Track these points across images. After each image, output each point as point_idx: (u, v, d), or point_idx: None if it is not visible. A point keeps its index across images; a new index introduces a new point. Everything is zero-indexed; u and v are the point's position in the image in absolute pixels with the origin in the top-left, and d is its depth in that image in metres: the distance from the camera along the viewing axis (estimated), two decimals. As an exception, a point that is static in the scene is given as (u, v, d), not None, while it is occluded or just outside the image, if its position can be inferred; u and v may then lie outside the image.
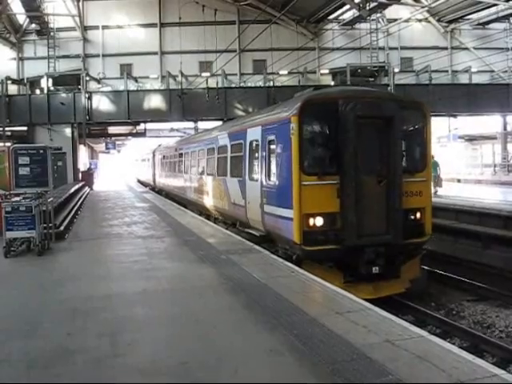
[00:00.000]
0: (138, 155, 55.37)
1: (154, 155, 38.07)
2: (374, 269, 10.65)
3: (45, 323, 6.62)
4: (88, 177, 37.76)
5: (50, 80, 37.63)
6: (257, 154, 13.07)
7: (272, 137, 11.92)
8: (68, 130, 36.74)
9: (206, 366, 5.11)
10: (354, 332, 5.88)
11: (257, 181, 12.85)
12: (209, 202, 18.75)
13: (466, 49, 43.05)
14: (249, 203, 13.52)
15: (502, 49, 40.41)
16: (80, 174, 37.29)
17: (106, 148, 47.33)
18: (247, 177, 13.78)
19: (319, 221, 10.57)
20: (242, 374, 4.92)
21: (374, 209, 10.77)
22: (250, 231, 13.50)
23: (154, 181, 38.21)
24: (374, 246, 10.66)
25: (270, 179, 12.06)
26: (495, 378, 4.60)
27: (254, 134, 13.40)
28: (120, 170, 71.73)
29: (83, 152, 39.71)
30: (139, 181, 52.23)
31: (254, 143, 13.32)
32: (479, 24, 42.48)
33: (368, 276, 10.71)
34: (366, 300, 7.49)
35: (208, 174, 18.95)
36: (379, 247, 10.69)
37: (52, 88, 37.87)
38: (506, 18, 40.80)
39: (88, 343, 5.79)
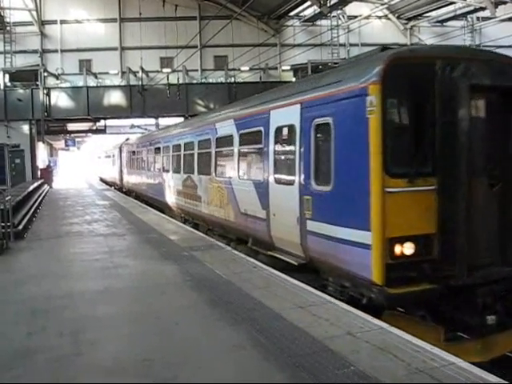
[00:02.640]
0: (100, 151, 51.56)
1: (120, 151, 33.88)
2: (489, 318, 7.15)
3: (4, 323, 6.52)
4: (47, 174, 37.10)
5: (7, 76, 36.79)
6: (291, 146, 9.36)
7: (324, 119, 8.18)
8: (26, 127, 36.06)
9: (169, 363, 5.10)
10: (316, 325, 5.95)
11: (291, 184, 9.17)
12: (200, 209, 14.99)
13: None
14: (274, 215, 9.84)
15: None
16: (39, 172, 36.61)
17: (66, 145, 46.65)
18: (272, 178, 10.07)
19: (409, 248, 7.06)
20: (206, 370, 4.94)
21: (485, 227, 7.47)
22: (277, 255, 9.81)
23: (121, 180, 33.93)
24: (489, 283, 7.21)
25: (319, 182, 8.35)
26: (452, 366, 4.74)
27: (284, 116, 9.67)
28: (81, 168, 70.51)
29: (42, 149, 38.97)
30: (102, 180, 48.72)
31: (286, 130, 9.65)
32: (438, 21, 43.37)
33: (480, 329, 7.18)
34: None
35: (201, 174, 14.97)
36: (496, 285, 7.26)
37: (9, 84, 37.03)
38: (463, 15, 41.76)
39: (49, 342, 5.72)
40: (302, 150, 8.86)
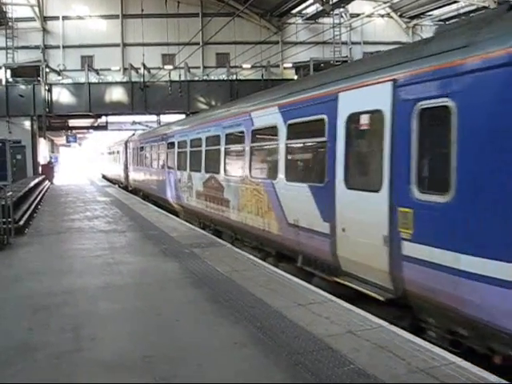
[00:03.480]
0: (103, 147, 50.25)
1: (126, 146, 32.19)
2: None
3: (5, 319, 6.52)
4: (48, 170, 37.12)
5: (9, 71, 36.76)
6: (375, 139, 7.19)
7: (436, 101, 6.02)
8: (27, 123, 36.05)
9: (169, 360, 5.11)
10: (316, 323, 5.96)
11: (375, 190, 6.98)
12: (227, 214, 12.71)
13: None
14: (344, 231, 7.68)
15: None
16: (40, 168, 36.61)
17: (67, 141, 46.59)
18: (341, 181, 7.80)
19: None
20: (206, 367, 4.94)
21: None
22: (348, 283, 7.68)
23: (127, 178, 32.10)
24: None
25: (426, 189, 6.20)
26: (452, 365, 4.74)
27: (363, 99, 7.44)
28: (82, 165, 70.40)
29: (43, 145, 38.97)
30: (105, 177, 47.52)
31: (366, 118, 7.39)
32: (440, 20, 43.18)
33: None
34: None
35: (230, 174, 12.79)
36: None
37: (10, 80, 37.00)
38: (466, 14, 41.59)
39: (50, 338, 5.72)
40: (396, 143, 6.62)
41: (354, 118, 7.58)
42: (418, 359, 4.88)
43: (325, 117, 8.29)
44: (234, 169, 12.71)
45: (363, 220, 7.24)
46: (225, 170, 13.13)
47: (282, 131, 9.79)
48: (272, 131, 10.30)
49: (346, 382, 4.44)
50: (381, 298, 6.82)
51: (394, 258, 6.57)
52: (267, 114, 10.59)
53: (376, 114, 7.05)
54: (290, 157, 9.83)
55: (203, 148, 14.87)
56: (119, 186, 34.82)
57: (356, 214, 7.41)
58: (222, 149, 13.27)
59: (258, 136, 11.40)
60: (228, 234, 13.26)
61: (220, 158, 13.32)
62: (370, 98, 7.24)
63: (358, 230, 7.32)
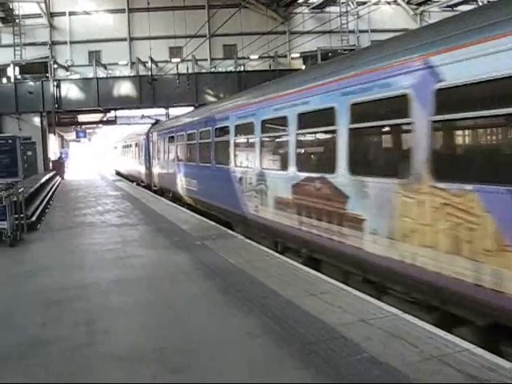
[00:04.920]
0: (117, 140, 47.07)
1: (148, 137, 27.92)
2: None
3: (19, 314, 6.57)
4: (59, 166, 37.25)
5: (17, 68, 36.83)
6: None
7: None
8: (37, 119, 36.16)
9: (183, 351, 5.13)
10: (328, 312, 5.96)
11: None
12: (358, 241, 7.53)
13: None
14: None
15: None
16: (50, 164, 36.77)
17: (77, 136, 46.77)
18: None
19: None
20: (219, 358, 4.95)
21: None
22: None
23: (150, 175, 27.36)
24: None
25: None
26: (465, 352, 4.72)
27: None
28: (93, 160, 70.50)
29: (53, 141, 39.11)
30: (119, 173, 43.68)
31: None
32: (448, 6, 42.76)
33: None
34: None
35: (369, 176, 7.43)
36: None
37: (19, 76, 37.06)
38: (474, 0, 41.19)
39: (63, 333, 5.76)
40: None
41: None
42: (431, 346, 4.87)
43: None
44: (387, 166, 7.83)
45: None
46: (355, 168, 7.77)
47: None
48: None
49: (369, 382, 4.43)
50: None
51: None
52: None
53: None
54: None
55: (291, 135, 9.62)
56: (137, 184, 31.33)
57: None
58: (345, 135, 7.86)
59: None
60: (341, 270, 8.38)
61: (340, 149, 7.99)
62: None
63: None
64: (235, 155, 13.06)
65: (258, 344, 5.23)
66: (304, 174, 9.23)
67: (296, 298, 6.58)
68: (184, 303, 6.78)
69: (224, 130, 13.99)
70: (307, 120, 9.29)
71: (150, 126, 29.58)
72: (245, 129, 12.36)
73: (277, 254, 9.51)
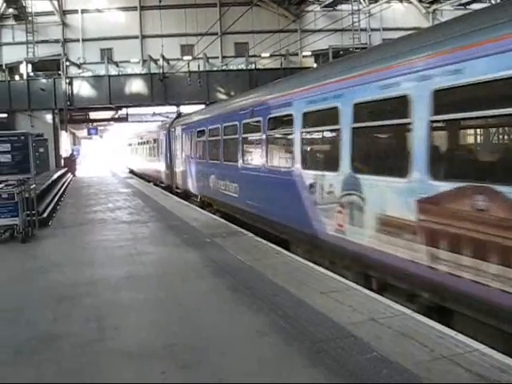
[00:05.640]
0: (131, 136, 44.05)
1: (169, 133, 24.45)
2: None
3: (30, 310, 6.61)
4: (70, 163, 37.46)
5: (30, 65, 37.08)
6: None
7: None
8: (49, 116, 36.38)
9: (193, 348, 5.13)
10: (338, 311, 5.95)
11: None
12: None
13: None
14: None
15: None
16: (62, 161, 36.97)
17: (88, 134, 46.98)
18: None
19: None
20: (228, 355, 4.96)
21: None
22: None
23: (172, 175, 23.89)
24: None
25: None
26: (476, 352, 4.70)
27: None
28: (104, 157, 70.60)
29: (65, 138, 39.29)
30: (134, 172, 40.45)
31: None
32: (461, 4, 42.43)
33: None
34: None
35: None
36: None
37: (32, 74, 37.32)
38: (486, -3, 40.87)
39: (74, 328, 5.79)
40: None
41: None
42: (442, 346, 4.85)
43: None
44: None
45: None
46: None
47: None
48: None
49: (379, 382, 4.42)
50: None
51: None
52: None
53: None
54: None
55: (420, 122, 6.35)
56: (155, 185, 28.32)
57: None
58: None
59: None
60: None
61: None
62: None
63: None
64: (303, 153, 9.76)
65: (267, 342, 5.23)
66: (446, 185, 5.94)
67: (306, 296, 6.58)
68: (194, 300, 6.79)
69: (282, 121, 10.95)
70: (457, 98, 6.12)
71: (169, 120, 26.89)
72: (320, 117, 9.32)
73: (286, 252, 9.50)
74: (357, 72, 7.94)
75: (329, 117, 8.67)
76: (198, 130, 18.29)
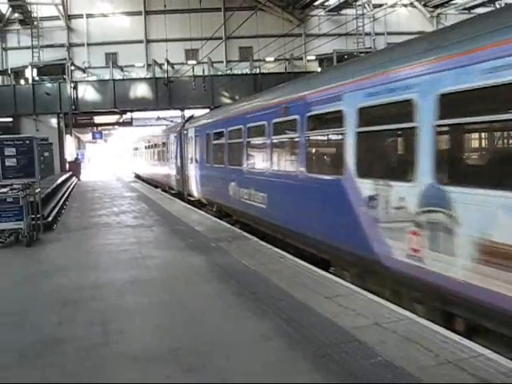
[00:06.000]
0: (137, 140, 42.18)
1: (181, 135, 22.43)
2: None
3: (34, 313, 6.62)
4: (75, 167, 37.55)
5: (35, 70, 37.25)
6: None
7: None
8: (54, 121, 36.56)
9: (197, 352, 5.13)
10: (342, 315, 5.94)
11: None
12: None
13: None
14: None
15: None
16: (67, 165, 37.08)
17: (93, 138, 47.14)
18: None
19: None
20: (233, 359, 4.96)
21: None
22: None
23: (184, 181, 21.72)
24: None
25: None
26: (481, 357, 4.68)
27: None
28: (109, 161, 70.58)
29: (70, 142, 39.43)
30: (141, 178, 38.86)
31: None
32: (465, 9, 42.49)
33: None
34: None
35: None
36: None
37: (37, 78, 37.49)
38: (491, 2, 40.77)
39: (79, 332, 5.80)
40: None
41: None
42: (447, 351, 4.83)
43: None
44: None
45: None
46: None
47: None
48: None
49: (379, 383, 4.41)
50: None
51: None
52: None
53: None
54: None
55: None
56: (164, 191, 26.80)
57: None
58: None
59: None
60: None
61: None
62: None
63: None
64: (359, 158, 7.85)
65: (271, 346, 5.23)
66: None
67: (310, 300, 6.57)
68: (198, 304, 6.79)
69: (327, 119, 9.27)
70: None
71: (179, 122, 25.12)
72: (385, 113, 7.49)
73: (291, 257, 9.47)
74: (447, 53, 5.96)
75: (398, 112, 7.09)
76: (215, 131, 16.41)
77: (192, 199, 20.36)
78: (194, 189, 19.76)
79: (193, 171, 19.97)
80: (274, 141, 11.41)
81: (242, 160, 13.40)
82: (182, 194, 22.17)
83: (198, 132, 19.23)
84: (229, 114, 15.65)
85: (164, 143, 27.65)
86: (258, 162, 12.53)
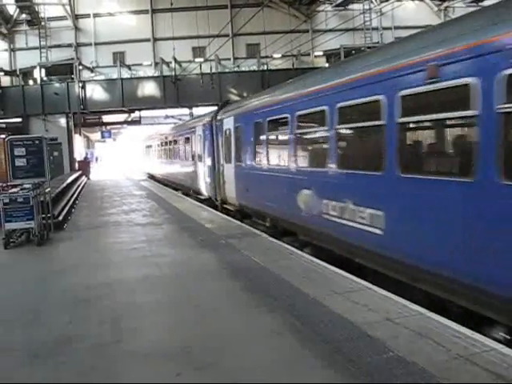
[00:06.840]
0: (150, 137, 39.70)
1: (212, 128, 18.39)
2: None
3: (46, 312, 6.65)
4: (85, 166, 37.67)
5: (43, 70, 37.38)
6: None
7: None
8: (63, 120, 36.67)
9: (209, 349, 5.14)
10: (354, 311, 5.92)
11: None
12: None
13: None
14: None
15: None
16: (76, 164, 37.22)
17: (102, 137, 47.22)
18: None
19: None
20: (245, 356, 4.97)
21: None
22: None
23: (218, 185, 17.52)
24: None
25: None
26: (493, 351, 4.65)
27: None
28: (119, 159, 70.46)
29: (79, 141, 39.56)
30: (154, 178, 36.64)
31: None
32: (473, 1, 42.20)
33: None
34: None
35: None
36: None
37: (45, 78, 37.66)
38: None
39: (90, 330, 5.82)
40: None
41: None
42: (458, 346, 4.81)
43: None
44: None
45: None
46: None
47: None
48: None
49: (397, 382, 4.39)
50: None
51: None
52: None
53: None
54: None
55: None
56: (186, 195, 23.21)
57: None
58: None
59: None
60: None
61: None
62: None
63: None
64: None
65: (282, 342, 5.22)
66: None
67: (321, 296, 6.56)
68: (209, 301, 6.79)
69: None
70: None
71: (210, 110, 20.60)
72: None
73: (301, 253, 9.47)
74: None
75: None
76: (271, 119, 12.06)
77: (230, 208, 16.46)
78: (234, 196, 15.59)
79: (232, 173, 15.72)
80: (408, 124, 7.06)
81: (327, 158, 9.02)
82: (213, 201, 18.48)
83: (239, 121, 14.96)
84: (298, 90, 10.74)
85: (188, 139, 23.24)
86: (366, 159, 8.44)
